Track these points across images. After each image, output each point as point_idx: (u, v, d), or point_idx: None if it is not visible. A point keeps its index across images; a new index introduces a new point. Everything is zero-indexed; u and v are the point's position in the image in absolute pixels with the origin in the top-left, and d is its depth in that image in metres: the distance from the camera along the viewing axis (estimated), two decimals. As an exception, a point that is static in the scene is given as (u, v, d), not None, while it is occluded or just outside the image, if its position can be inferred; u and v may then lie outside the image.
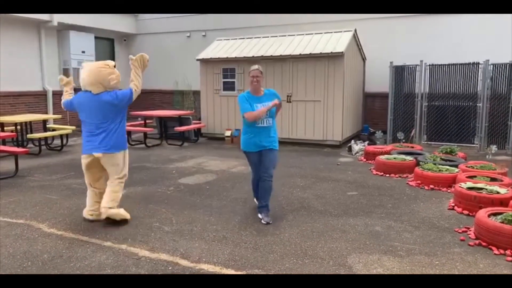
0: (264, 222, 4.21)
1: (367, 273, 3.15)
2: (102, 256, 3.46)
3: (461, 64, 8.78)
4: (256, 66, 4.33)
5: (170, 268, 3.24)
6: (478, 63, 8.59)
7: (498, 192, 4.53)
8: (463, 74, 8.80)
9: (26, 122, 8.56)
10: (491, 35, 9.07)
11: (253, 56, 9.30)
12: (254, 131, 4.28)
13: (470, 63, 8.69)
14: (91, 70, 4.09)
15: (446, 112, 8.95)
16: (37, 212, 4.59)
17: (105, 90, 4.10)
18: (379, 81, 10.25)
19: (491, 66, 8.40)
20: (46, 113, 10.93)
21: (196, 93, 11.19)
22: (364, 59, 10.58)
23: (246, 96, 4.33)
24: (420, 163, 6.30)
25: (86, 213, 4.34)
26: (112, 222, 4.18)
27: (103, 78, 4.06)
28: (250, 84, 4.32)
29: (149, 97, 13.06)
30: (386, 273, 3.14)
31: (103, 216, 4.18)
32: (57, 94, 11.27)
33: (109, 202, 4.13)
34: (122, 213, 4.20)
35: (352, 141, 8.74)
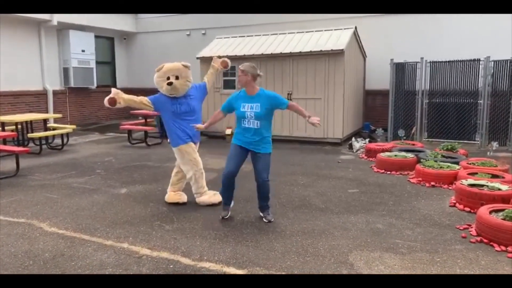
0: (266, 221, 4.21)
1: (368, 270, 3.14)
2: (103, 255, 3.46)
3: (462, 60, 8.75)
4: (241, 64, 4.30)
5: (171, 266, 3.24)
6: (479, 60, 8.56)
7: (499, 189, 4.52)
8: (464, 71, 8.77)
9: (26, 122, 8.56)
10: (492, 32, 9.05)
11: (253, 54, 9.29)
12: (239, 129, 4.23)
13: (471, 59, 8.67)
14: None
15: (447, 109, 8.93)
16: (38, 211, 4.59)
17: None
18: (380, 78, 10.23)
19: (492, 62, 8.37)
20: (47, 112, 10.93)
21: (197, 92, 11.17)
22: (364, 57, 10.55)
23: (238, 94, 4.28)
24: (421, 160, 6.28)
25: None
26: (113, 220, 4.18)
27: None
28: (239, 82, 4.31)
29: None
30: (387, 270, 3.14)
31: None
32: (57, 94, 11.30)
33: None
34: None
35: (353, 139, 8.73)
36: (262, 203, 4.29)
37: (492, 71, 8.40)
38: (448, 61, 8.87)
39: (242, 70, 4.19)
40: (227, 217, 4.26)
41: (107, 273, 3.14)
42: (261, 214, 4.32)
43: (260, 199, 4.29)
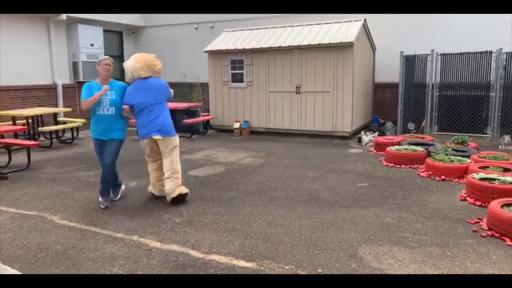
0: (103, 207, 4.48)
1: (378, 264, 3.13)
2: (113, 247, 3.50)
3: (474, 53, 8.61)
4: (107, 57, 4.62)
5: (181, 259, 3.27)
6: (491, 52, 8.42)
7: (511, 183, 4.47)
8: (476, 63, 8.64)
9: (37, 116, 8.65)
10: (504, 23, 8.87)
11: (261, 47, 9.24)
12: (95, 119, 4.48)
13: (482, 51, 8.53)
14: (137, 57, 4.58)
15: (458, 102, 8.81)
16: (49, 204, 4.65)
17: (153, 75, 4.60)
18: (389, 71, 10.11)
19: (505, 54, 8.23)
20: (57, 106, 11.02)
21: (205, 85, 11.19)
22: (374, 49, 10.44)
23: (91, 84, 4.48)
24: (431, 153, 6.23)
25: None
26: (123, 213, 4.22)
27: (150, 63, 4.55)
28: (103, 72, 4.48)
29: (157, 90, 13.06)
30: (397, 264, 3.13)
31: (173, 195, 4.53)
32: (67, 88, 11.37)
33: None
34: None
35: (362, 132, 8.68)
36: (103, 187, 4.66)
37: (505, 63, 8.26)
38: (459, 53, 8.73)
39: (112, 61, 4.59)
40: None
41: (117, 265, 3.18)
42: (100, 199, 4.65)
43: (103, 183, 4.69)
